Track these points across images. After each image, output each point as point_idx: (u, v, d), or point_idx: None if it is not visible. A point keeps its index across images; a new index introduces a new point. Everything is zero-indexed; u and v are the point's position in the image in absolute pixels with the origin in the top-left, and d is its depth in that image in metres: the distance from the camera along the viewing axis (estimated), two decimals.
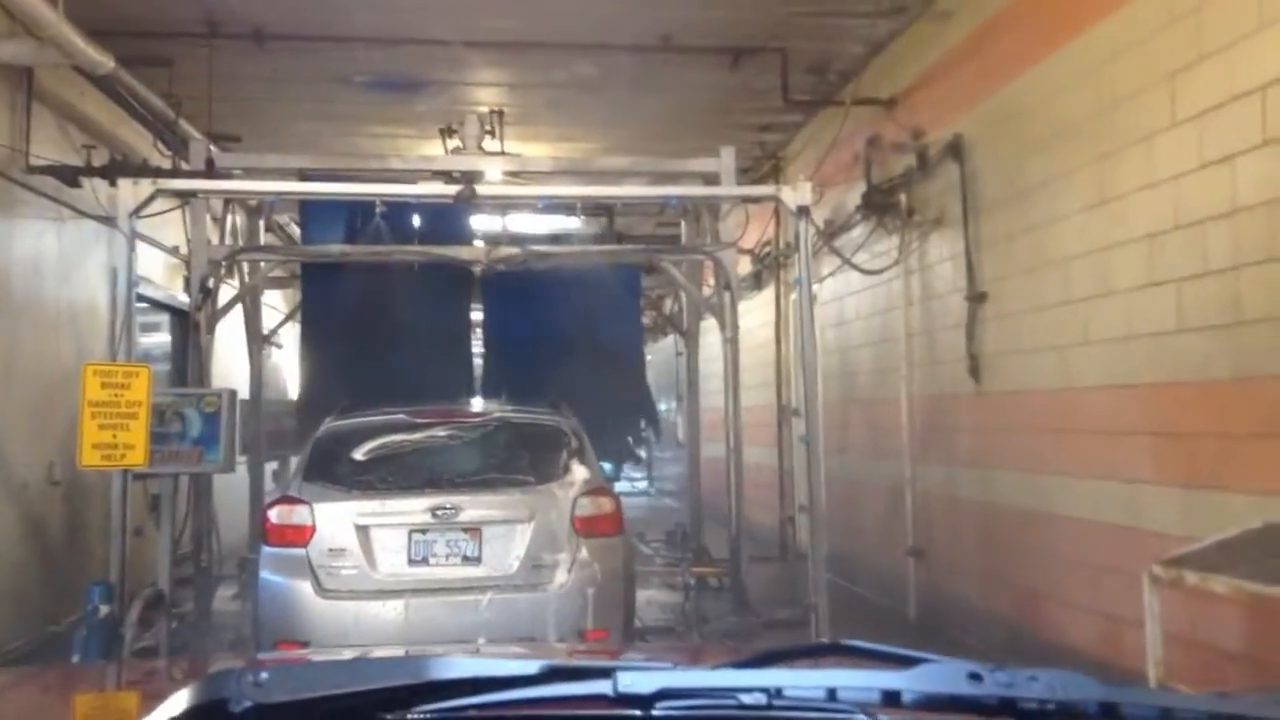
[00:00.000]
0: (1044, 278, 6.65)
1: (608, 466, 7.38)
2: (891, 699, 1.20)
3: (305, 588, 5.98)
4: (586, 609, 5.99)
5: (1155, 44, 5.50)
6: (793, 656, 1.44)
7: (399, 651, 3.05)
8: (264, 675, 1.23)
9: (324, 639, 5.83)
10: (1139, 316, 5.69)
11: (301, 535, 6.06)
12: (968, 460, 7.73)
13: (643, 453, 10.67)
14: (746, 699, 1.16)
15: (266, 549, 6.21)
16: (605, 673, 1.21)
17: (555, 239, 9.46)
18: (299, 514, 6.12)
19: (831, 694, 1.19)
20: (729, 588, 8.74)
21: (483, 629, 5.79)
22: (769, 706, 1.17)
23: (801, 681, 1.21)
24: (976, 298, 7.46)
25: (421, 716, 1.21)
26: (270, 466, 10.12)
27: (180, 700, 1.24)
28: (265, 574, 6.15)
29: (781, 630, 7.63)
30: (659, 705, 1.16)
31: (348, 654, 3.31)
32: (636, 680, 1.17)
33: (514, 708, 1.21)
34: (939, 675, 1.21)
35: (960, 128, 7.71)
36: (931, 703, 1.20)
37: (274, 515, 6.21)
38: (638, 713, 1.18)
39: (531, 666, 1.25)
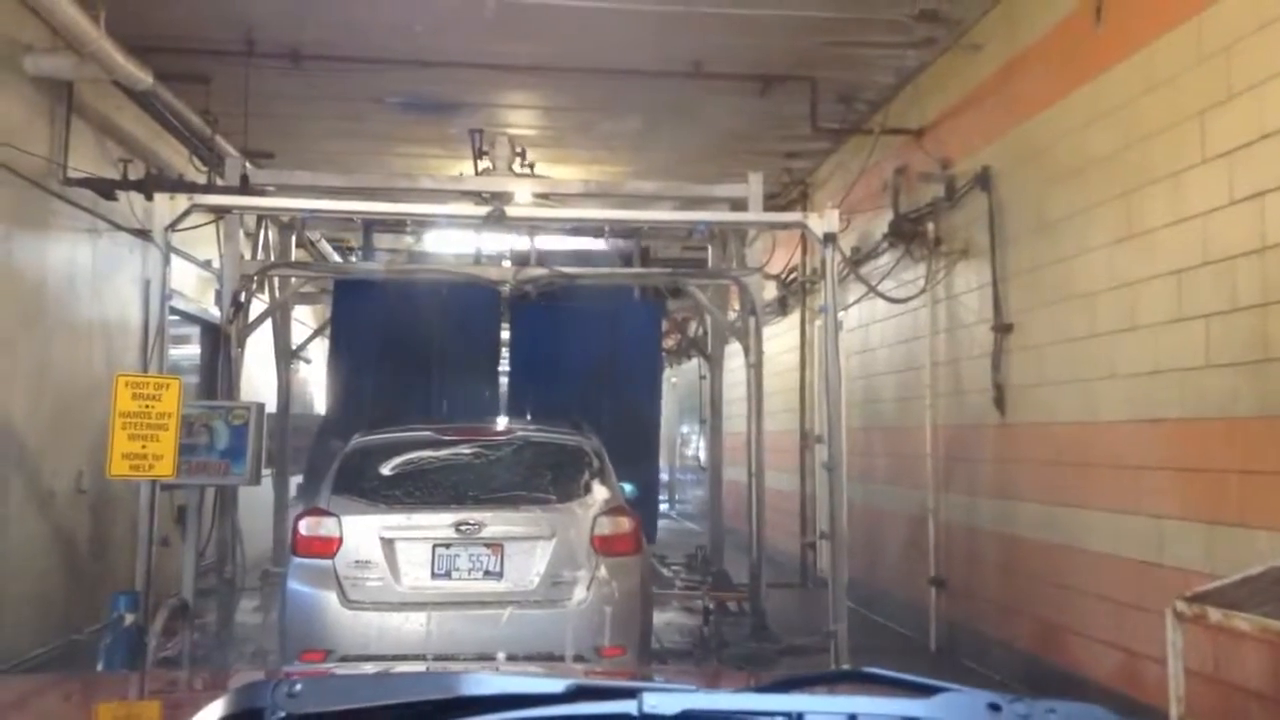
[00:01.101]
0: (1070, 310, 6.64)
1: (628, 488, 7.44)
2: None
3: (331, 598, 6.09)
4: (604, 626, 6.08)
5: (1185, 81, 5.51)
6: (815, 683, 1.46)
7: (420, 666, 3.08)
8: (298, 687, 1.27)
9: (348, 649, 5.94)
10: (1166, 352, 5.67)
11: (329, 547, 6.18)
12: (991, 491, 7.71)
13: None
14: None
15: (294, 559, 6.32)
16: (630, 693, 1.23)
17: (582, 259, 9.52)
18: (327, 526, 6.25)
19: None
20: (748, 613, 8.72)
21: (503, 643, 5.91)
22: None
23: (823, 707, 1.24)
24: (1002, 329, 7.46)
25: None
26: (295, 480, 10.19)
27: (216, 709, 1.27)
28: (292, 584, 6.26)
29: (800, 656, 7.62)
30: None
31: (368, 668, 3.34)
32: (661, 702, 1.19)
33: None
34: (958, 705, 1.23)
35: (988, 159, 7.72)
36: None
37: (303, 527, 6.34)
38: None
39: (558, 685, 1.28)
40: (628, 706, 1.20)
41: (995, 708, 1.22)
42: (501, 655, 5.76)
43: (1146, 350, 5.84)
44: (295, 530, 6.41)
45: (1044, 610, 6.93)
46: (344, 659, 5.91)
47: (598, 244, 10.97)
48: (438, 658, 5.82)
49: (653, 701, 1.19)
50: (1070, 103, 6.65)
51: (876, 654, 7.44)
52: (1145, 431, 5.85)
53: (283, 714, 1.23)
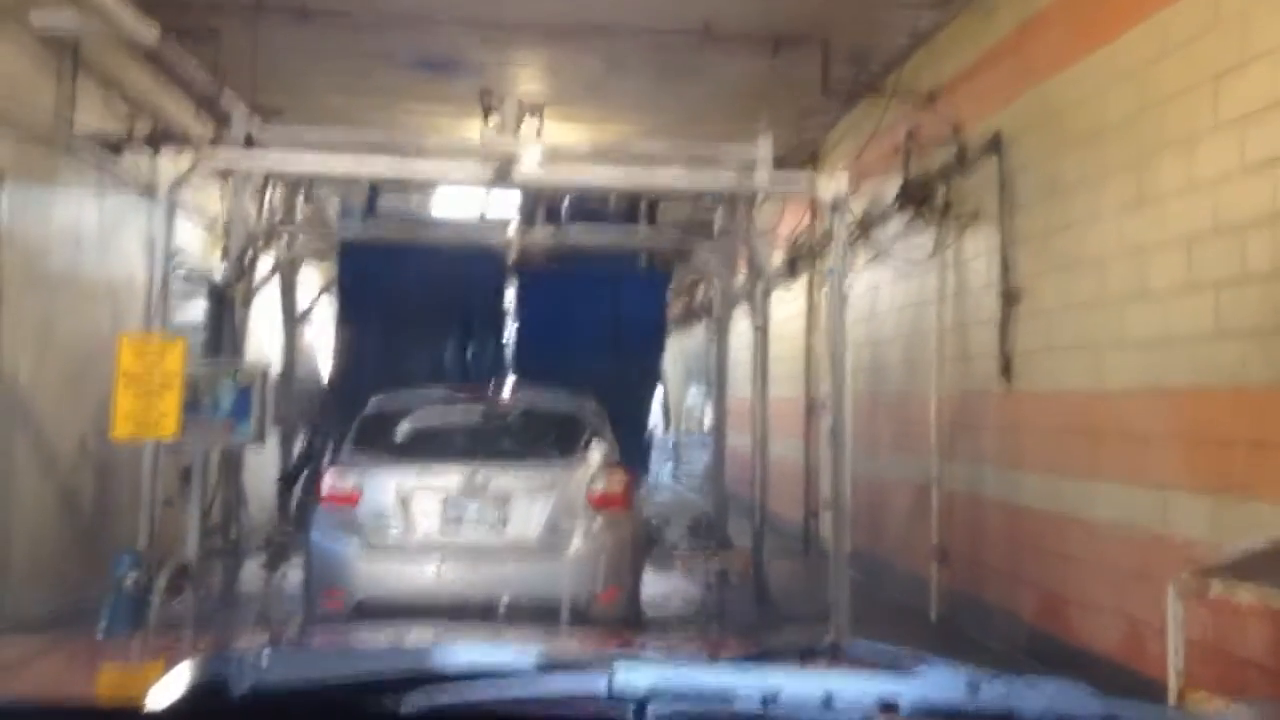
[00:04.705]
0: (1080, 277, 6.57)
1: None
2: (889, 708, 1.19)
3: (352, 544, 6.66)
4: (599, 573, 6.62)
5: (1200, 45, 5.41)
6: (794, 655, 1.44)
7: (427, 633, 3.06)
8: (265, 659, 1.24)
9: (366, 591, 6.54)
10: (1175, 320, 5.61)
11: (350, 498, 6.76)
12: (995, 460, 7.67)
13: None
14: (740, 705, 1.15)
15: (319, 509, 6.91)
16: (602, 665, 1.21)
17: (590, 216, 9.46)
18: (349, 478, 6.84)
19: (828, 700, 1.19)
20: (750, 581, 8.71)
21: (506, 587, 6.45)
22: (763, 716, 1.16)
23: (799, 685, 1.21)
24: (1011, 295, 7.39)
25: (416, 706, 1.21)
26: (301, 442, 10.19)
27: (180, 679, 1.25)
28: (317, 531, 6.83)
29: (801, 625, 7.61)
30: (651, 706, 1.16)
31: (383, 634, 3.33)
32: (631, 678, 1.17)
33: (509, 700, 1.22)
34: (938, 683, 1.20)
35: (1000, 123, 7.62)
36: (929, 712, 1.19)
37: (328, 479, 6.94)
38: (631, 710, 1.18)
39: (529, 659, 1.25)
40: (597, 682, 1.17)
41: (975, 687, 1.19)
42: (505, 598, 6.31)
43: (1156, 318, 5.77)
44: (321, 482, 7.00)
45: (1047, 581, 6.91)
46: (362, 601, 6.50)
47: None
48: (449, 601, 6.35)
49: (622, 678, 1.16)
50: (1084, 67, 6.54)
51: (876, 624, 7.44)
52: (1153, 400, 5.80)
53: (248, 686, 1.21)
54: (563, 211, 9.39)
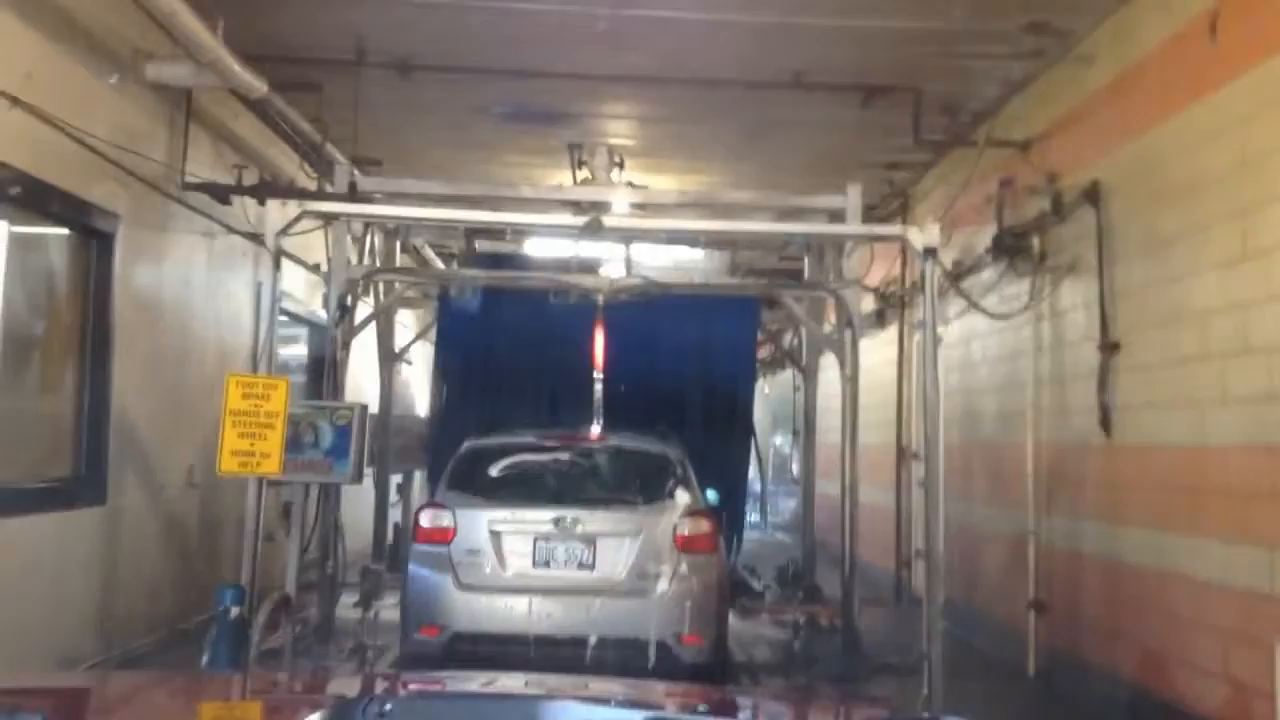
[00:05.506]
0: (1181, 331, 6.44)
1: (712, 494, 7.88)
2: None
3: (447, 580, 6.93)
4: (684, 616, 6.79)
5: None
6: None
7: (519, 681, 3.09)
8: (389, 706, 1.31)
9: (460, 626, 6.79)
10: (1278, 376, 5.47)
11: (445, 536, 7.03)
12: (1095, 514, 7.50)
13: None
14: None
15: (415, 546, 7.16)
16: None
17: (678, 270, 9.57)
18: (443, 517, 7.10)
19: None
20: (840, 629, 8.61)
21: (594, 625, 6.68)
22: None
23: None
24: (1109, 348, 7.26)
25: None
26: (395, 479, 10.40)
27: None
28: (413, 567, 7.09)
29: (892, 676, 7.50)
30: None
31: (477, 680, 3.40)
32: None
33: None
34: None
35: (1097, 173, 7.53)
36: None
37: (423, 518, 7.19)
38: None
39: (638, 717, 1.29)
40: None
41: None
42: (593, 637, 6.55)
43: (1260, 374, 5.64)
44: (416, 521, 7.26)
45: (1148, 639, 6.72)
46: (456, 635, 6.75)
47: (694, 254, 11.00)
48: (539, 638, 6.65)
49: None
50: (1184, 119, 6.45)
51: (971, 677, 7.29)
52: (1257, 458, 5.64)
53: None
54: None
